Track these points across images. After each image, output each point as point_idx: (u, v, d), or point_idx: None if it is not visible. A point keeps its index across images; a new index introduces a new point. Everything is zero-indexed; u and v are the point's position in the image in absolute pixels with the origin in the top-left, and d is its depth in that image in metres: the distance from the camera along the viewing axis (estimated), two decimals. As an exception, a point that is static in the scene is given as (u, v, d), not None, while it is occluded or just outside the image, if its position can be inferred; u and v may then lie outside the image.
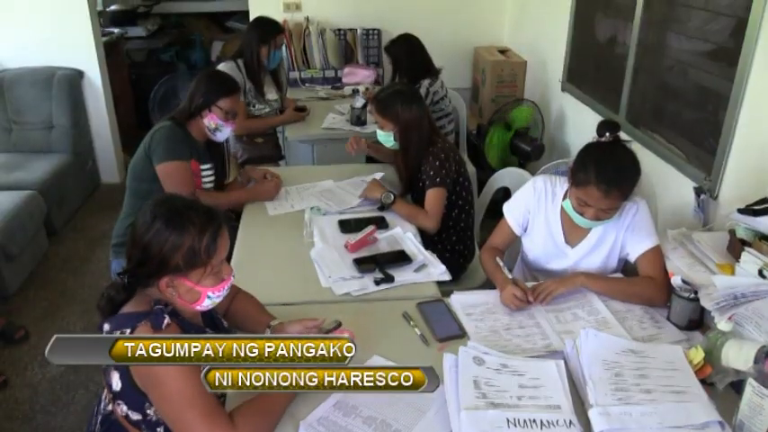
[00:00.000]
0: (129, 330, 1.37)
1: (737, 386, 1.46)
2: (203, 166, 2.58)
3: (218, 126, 2.53)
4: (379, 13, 4.79)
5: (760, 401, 1.32)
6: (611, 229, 1.99)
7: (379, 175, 2.71)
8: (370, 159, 3.10)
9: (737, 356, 1.49)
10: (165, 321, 1.37)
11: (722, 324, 1.56)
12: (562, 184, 2.03)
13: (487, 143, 3.95)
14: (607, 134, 1.88)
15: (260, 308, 1.76)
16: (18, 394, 2.73)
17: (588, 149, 1.90)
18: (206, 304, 1.48)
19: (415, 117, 2.49)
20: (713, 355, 1.54)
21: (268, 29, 3.52)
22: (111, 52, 5.00)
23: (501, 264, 1.99)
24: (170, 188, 2.43)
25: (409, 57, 3.50)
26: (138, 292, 1.47)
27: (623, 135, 1.94)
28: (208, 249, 1.41)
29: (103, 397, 1.50)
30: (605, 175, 1.80)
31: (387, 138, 2.58)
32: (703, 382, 1.52)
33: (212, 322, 1.62)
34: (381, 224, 2.37)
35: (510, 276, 1.94)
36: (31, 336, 3.06)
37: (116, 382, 1.41)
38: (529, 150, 3.85)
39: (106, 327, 1.41)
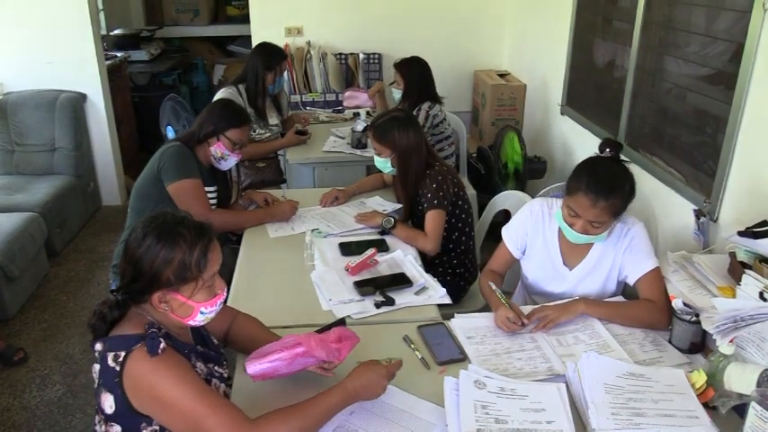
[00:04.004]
0: (123, 353, 1.37)
1: (741, 410, 1.45)
2: (207, 189, 2.59)
3: (223, 155, 2.55)
4: (380, 37, 4.86)
5: (763, 425, 1.32)
6: (609, 251, 1.99)
7: (378, 207, 2.72)
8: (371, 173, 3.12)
9: (740, 380, 1.48)
10: (161, 346, 1.37)
11: (724, 347, 1.55)
12: (559, 207, 2.04)
13: (511, 173, 3.98)
14: (607, 150, 1.90)
15: (264, 328, 1.76)
16: (16, 417, 2.70)
17: (586, 161, 1.93)
18: (199, 319, 1.48)
19: (412, 142, 2.51)
20: (716, 379, 1.53)
21: (274, 55, 3.56)
22: (115, 76, 5.06)
23: (494, 287, 1.98)
24: (185, 206, 2.43)
25: (420, 79, 3.53)
26: (131, 311, 1.47)
27: (624, 157, 1.96)
28: (198, 263, 1.42)
29: (96, 420, 1.49)
30: (596, 185, 1.81)
31: (384, 164, 2.59)
32: (706, 405, 1.51)
33: (203, 340, 1.62)
34: (382, 247, 2.37)
35: (503, 299, 1.93)
36: (30, 358, 3.04)
37: (110, 405, 1.40)
38: (543, 168, 3.92)
39: (98, 346, 1.41)
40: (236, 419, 1.34)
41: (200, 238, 1.43)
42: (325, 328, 1.63)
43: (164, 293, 1.42)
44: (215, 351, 1.63)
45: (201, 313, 1.47)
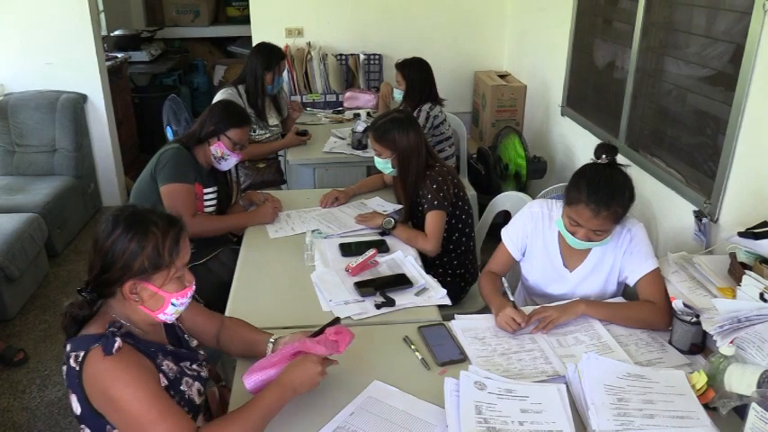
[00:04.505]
0: (82, 353, 1.36)
1: (741, 411, 1.45)
2: (206, 190, 2.60)
3: (224, 155, 2.56)
4: (381, 38, 4.86)
5: (764, 426, 1.31)
6: (609, 252, 1.99)
7: (378, 207, 2.72)
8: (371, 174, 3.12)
9: (740, 381, 1.48)
10: (116, 345, 1.35)
11: (724, 348, 1.55)
12: (559, 208, 2.04)
13: (512, 174, 3.98)
14: (604, 156, 1.89)
15: (253, 328, 1.76)
16: (16, 418, 2.70)
17: (583, 170, 1.91)
18: (170, 312, 1.47)
19: (412, 143, 2.51)
20: (716, 380, 1.53)
21: (273, 55, 3.56)
22: (115, 76, 5.06)
23: (505, 284, 1.99)
24: (170, 209, 2.43)
25: (422, 80, 3.54)
26: (101, 309, 1.46)
27: (622, 159, 1.96)
28: (171, 251, 1.42)
29: None
30: (596, 195, 1.81)
31: (385, 165, 2.59)
32: (706, 406, 1.51)
33: (178, 341, 1.61)
34: (382, 248, 2.37)
35: (512, 298, 1.94)
36: (30, 359, 3.04)
37: (75, 406, 1.40)
38: (544, 168, 3.91)
39: (68, 347, 1.40)
40: (184, 430, 1.34)
41: (172, 227, 1.44)
42: (318, 332, 1.60)
43: (135, 283, 1.41)
44: (188, 349, 1.62)
45: (172, 305, 1.46)
